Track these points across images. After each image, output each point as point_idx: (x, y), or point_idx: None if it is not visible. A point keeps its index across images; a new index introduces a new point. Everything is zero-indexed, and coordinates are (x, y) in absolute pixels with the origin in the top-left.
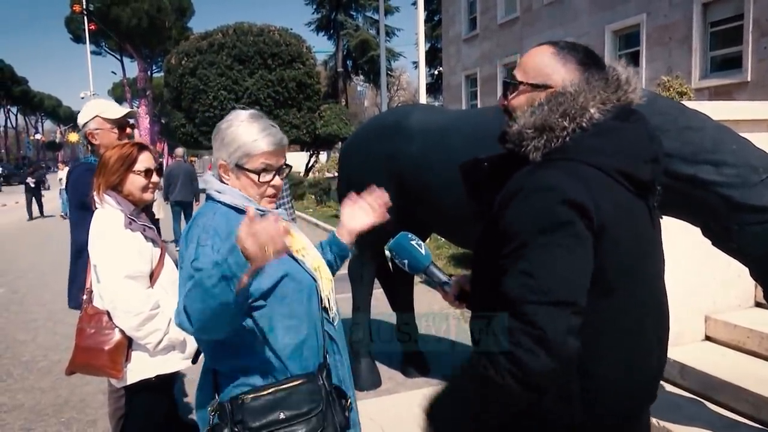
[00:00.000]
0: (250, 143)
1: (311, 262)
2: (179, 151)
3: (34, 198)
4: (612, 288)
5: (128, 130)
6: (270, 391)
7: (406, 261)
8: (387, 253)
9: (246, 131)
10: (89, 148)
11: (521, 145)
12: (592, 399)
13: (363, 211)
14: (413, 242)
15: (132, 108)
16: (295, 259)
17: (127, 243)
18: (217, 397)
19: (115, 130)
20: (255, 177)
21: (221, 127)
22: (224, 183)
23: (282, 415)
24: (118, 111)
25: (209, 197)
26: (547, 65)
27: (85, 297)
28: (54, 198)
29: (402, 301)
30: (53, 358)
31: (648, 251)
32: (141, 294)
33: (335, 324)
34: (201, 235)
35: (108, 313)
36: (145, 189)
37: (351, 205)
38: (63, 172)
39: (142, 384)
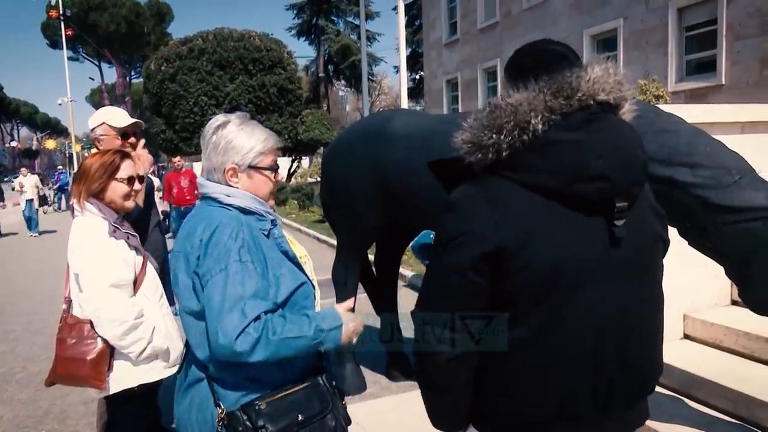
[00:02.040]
0: (263, 142)
1: (309, 270)
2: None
3: None
4: (529, 308)
5: (132, 140)
6: (282, 395)
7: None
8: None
9: (253, 132)
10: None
11: (463, 157)
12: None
13: None
14: None
15: None
16: (301, 268)
17: (111, 251)
18: (220, 407)
19: (119, 138)
20: (270, 174)
21: (221, 133)
22: (232, 187)
23: (300, 417)
24: (124, 120)
25: (213, 201)
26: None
27: (64, 306)
28: (16, 212)
29: (386, 304)
30: (32, 369)
31: (594, 272)
32: (126, 302)
33: None
34: (240, 250)
35: (90, 323)
36: (127, 197)
37: None
38: (27, 179)
39: (125, 394)
